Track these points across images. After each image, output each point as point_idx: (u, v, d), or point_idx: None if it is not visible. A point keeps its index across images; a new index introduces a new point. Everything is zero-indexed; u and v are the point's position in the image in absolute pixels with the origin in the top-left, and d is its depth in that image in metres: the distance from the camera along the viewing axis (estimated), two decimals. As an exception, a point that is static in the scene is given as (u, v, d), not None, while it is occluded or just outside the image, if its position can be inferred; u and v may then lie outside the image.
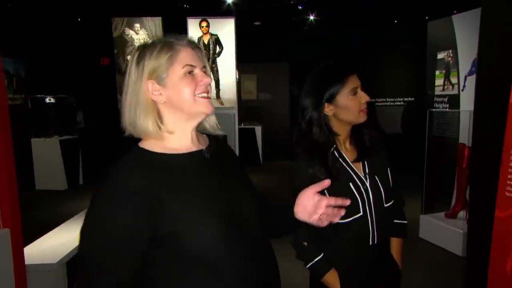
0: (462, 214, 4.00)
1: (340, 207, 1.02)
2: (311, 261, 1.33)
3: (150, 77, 0.88)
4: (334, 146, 1.32)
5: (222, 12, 5.53)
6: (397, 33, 8.09)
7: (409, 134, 6.93)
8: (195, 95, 0.90)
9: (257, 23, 7.37)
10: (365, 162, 1.33)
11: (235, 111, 4.38)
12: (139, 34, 4.28)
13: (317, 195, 1.02)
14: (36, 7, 5.59)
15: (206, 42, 4.22)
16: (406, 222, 1.45)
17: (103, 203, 0.83)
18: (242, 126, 6.72)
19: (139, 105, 0.89)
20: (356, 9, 7.53)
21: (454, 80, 4.40)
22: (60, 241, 2.96)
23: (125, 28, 4.26)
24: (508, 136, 1.26)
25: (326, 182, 1.01)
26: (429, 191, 4.41)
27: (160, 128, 0.90)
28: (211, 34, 4.23)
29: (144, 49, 0.90)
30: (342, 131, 1.34)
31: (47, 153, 6.13)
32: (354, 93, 1.29)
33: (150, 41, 0.94)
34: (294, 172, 1.38)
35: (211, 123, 1.01)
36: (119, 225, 0.81)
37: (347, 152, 1.34)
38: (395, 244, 1.43)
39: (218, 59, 4.24)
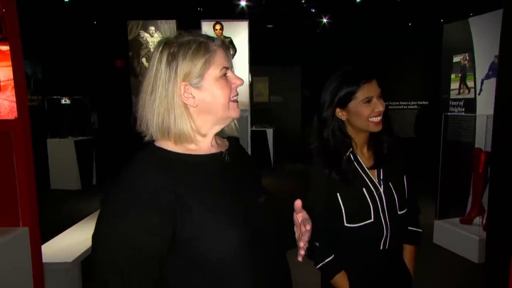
0: (477, 220, 3.92)
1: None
2: (322, 262, 1.33)
3: (184, 79, 0.83)
4: (351, 150, 1.31)
5: (236, 15, 5.56)
6: (411, 36, 8.00)
7: (422, 138, 6.84)
8: (230, 99, 0.87)
9: (269, 26, 7.38)
10: (381, 168, 1.31)
11: (248, 114, 4.39)
12: (154, 37, 4.33)
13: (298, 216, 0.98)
14: (53, 10, 5.70)
15: (220, 44, 4.25)
16: (420, 230, 1.43)
17: (121, 205, 0.76)
18: (254, 128, 6.73)
19: (172, 109, 0.82)
20: (370, 12, 7.48)
21: (470, 83, 4.33)
22: (75, 240, 3.00)
23: (140, 31, 4.31)
24: (531, 141, 1.23)
25: (297, 203, 0.95)
26: (444, 196, 4.34)
27: (196, 132, 0.86)
28: (225, 37, 4.24)
29: (175, 47, 0.83)
30: (357, 136, 1.33)
31: (62, 153, 6.23)
32: (368, 100, 1.27)
33: (175, 36, 0.87)
34: (310, 175, 1.38)
35: (231, 125, 0.97)
36: (137, 231, 0.75)
37: (363, 157, 1.33)
38: (408, 251, 1.42)
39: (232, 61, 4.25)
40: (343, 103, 1.29)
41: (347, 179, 1.27)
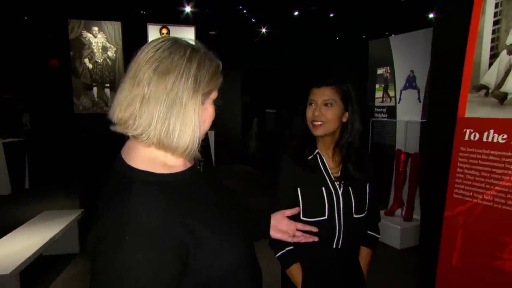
0: (399, 211, 4.29)
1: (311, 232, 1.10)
2: (281, 251, 1.34)
3: (200, 93, 0.75)
4: (317, 150, 1.35)
5: (181, 20, 5.42)
6: (342, 49, 8.50)
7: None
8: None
9: (212, 32, 7.33)
10: (345, 172, 1.34)
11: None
12: (97, 37, 4.03)
13: (286, 219, 1.07)
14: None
15: (166, 49, 4.10)
16: (378, 236, 1.47)
17: (131, 250, 0.65)
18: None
19: (192, 121, 0.73)
20: (302, 25, 7.79)
21: (391, 93, 4.72)
22: (11, 250, 2.68)
23: (83, 31, 3.98)
24: (456, 146, 1.38)
25: (295, 210, 1.08)
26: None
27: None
28: (172, 41, 4.12)
29: (201, 59, 0.75)
30: (323, 139, 1.36)
31: (-11, 156, 5.55)
32: (311, 103, 1.33)
33: (192, 44, 0.78)
34: (280, 165, 1.39)
35: None
36: (155, 274, 0.66)
37: (329, 159, 1.36)
38: (364, 253, 1.45)
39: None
40: (305, 108, 1.34)
41: (309, 176, 1.31)
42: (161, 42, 0.75)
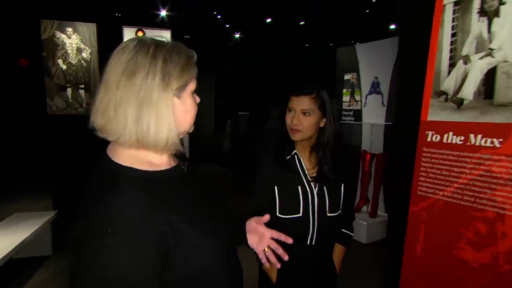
0: (364, 208, 4.43)
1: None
2: None
3: (172, 87, 0.73)
4: (295, 151, 1.37)
5: (157, 23, 5.32)
6: (309, 55, 8.65)
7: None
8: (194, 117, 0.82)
9: (187, 36, 7.24)
10: (321, 173, 1.37)
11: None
12: (71, 38, 3.88)
13: (261, 226, 1.06)
14: None
15: (142, 51, 4.01)
16: (352, 234, 1.49)
17: (115, 240, 0.64)
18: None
19: (165, 117, 0.72)
20: (274, 31, 7.88)
21: (358, 97, 4.87)
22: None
23: (56, 32, 3.81)
24: (419, 146, 1.45)
25: (266, 217, 1.06)
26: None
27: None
28: (148, 44, 4.03)
29: (166, 53, 0.73)
30: (299, 141, 1.38)
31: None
32: (290, 110, 1.35)
33: (160, 40, 0.76)
34: (258, 165, 1.39)
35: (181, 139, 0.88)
36: (137, 266, 0.65)
37: (306, 159, 1.39)
38: (337, 251, 1.47)
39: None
40: (283, 113, 1.36)
41: (286, 176, 1.33)
42: (127, 43, 0.74)
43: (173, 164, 0.83)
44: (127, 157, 0.74)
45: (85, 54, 3.92)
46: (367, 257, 3.57)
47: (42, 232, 3.28)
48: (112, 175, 0.71)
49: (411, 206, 1.49)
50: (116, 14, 5.18)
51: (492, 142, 1.23)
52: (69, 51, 3.88)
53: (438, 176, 1.38)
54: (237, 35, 8.37)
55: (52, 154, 3.90)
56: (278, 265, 1.03)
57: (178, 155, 0.87)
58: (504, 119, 1.21)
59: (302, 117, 1.30)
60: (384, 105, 4.64)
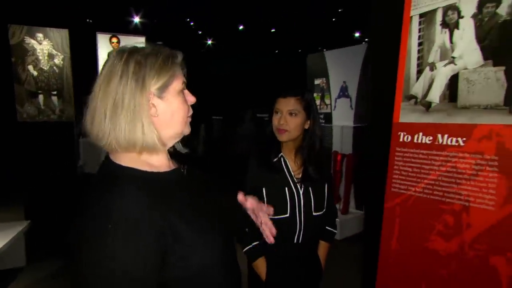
0: (336, 206, 4.55)
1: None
2: (248, 246, 1.37)
3: (150, 88, 0.74)
4: (281, 154, 1.40)
5: (131, 30, 5.20)
6: (281, 61, 8.79)
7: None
8: (187, 116, 0.82)
9: (159, 43, 7.12)
10: (306, 174, 1.40)
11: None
12: (42, 44, 3.71)
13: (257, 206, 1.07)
14: None
15: (117, 57, 3.91)
16: (336, 231, 1.54)
17: (115, 237, 0.64)
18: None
19: (140, 119, 0.72)
20: (246, 38, 7.94)
21: (328, 101, 5.02)
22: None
23: (25, 37, 3.63)
24: (392, 146, 1.53)
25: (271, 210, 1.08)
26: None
27: (159, 141, 0.76)
28: (122, 50, 3.93)
29: (141, 57, 0.74)
30: (284, 144, 1.42)
31: None
32: (276, 112, 1.39)
33: (135, 47, 0.77)
34: (248, 167, 1.41)
35: (179, 142, 0.90)
36: (137, 262, 0.65)
37: (292, 161, 1.42)
38: (322, 247, 1.51)
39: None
40: (271, 115, 1.39)
41: (273, 177, 1.35)
42: (111, 54, 0.77)
43: (172, 167, 0.84)
44: (127, 158, 0.75)
45: (57, 60, 3.76)
46: (342, 252, 3.67)
47: (16, 243, 3.10)
48: (113, 175, 0.72)
49: (386, 202, 1.56)
50: (88, 20, 5.01)
51: (457, 141, 1.32)
52: (40, 57, 3.70)
53: (410, 174, 1.46)
54: (209, 42, 8.35)
55: (23, 162, 3.70)
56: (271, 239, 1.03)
57: (178, 158, 0.88)
58: (467, 120, 1.30)
59: (289, 117, 1.33)
60: (352, 108, 4.81)
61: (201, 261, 0.75)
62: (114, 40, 3.86)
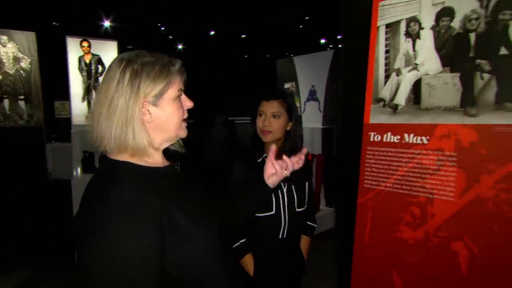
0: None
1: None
2: (235, 243, 1.40)
3: (145, 97, 0.78)
4: (264, 155, 1.44)
5: (101, 34, 5.02)
6: (249, 66, 8.86)
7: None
8: (182, 119, 0.85)
9: (129, 47, 6.95)
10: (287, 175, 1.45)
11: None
12: (6, 47, 3.50)
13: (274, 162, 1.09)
14: None
15: (87, 61, 3.77)
16: (316, 226, 1.60)
17: (120, 226, 0.66)
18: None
19: (132, 123, 0.76)
20: (217, 44, 7.94)
21: (297, 104, 5.14)
22: None
23: (-12, 40, 3.43)
24: (364, 146, 1.61)
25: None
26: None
27: (150, 145, 0.80)
28: (93, 54, 3.81)
29: (138, 66, 0.78)
30: (268, 145, 1.46)
31: None
32: (260, 114, 1.44)
33: (136, 54, 0.81)
34: (233, 169, 1.43)
35: (178, 142, 0.94)
36: (142, 247, 0.67)
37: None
38: (304, 241, 1.58)
39: (100, 79, 3.85)
40: (255, 116, 1.43)
41: (259, 177, 1.39)
42: (113, 61, 0.82)
43: (166, 163, 0.88)
44: (126, 156, 0.79)
45: (24, 64, 3.57)
46: (316, 247, 3.76)
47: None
48: (113, 169, 0.76)
49: (358, 198, 1.65)
50: (55, 23, 4.78)
51: (421, 140, 1.43)
52: (5, 61, 3.50)
53: (380, 170, 1.55)
54: (180, 46, 8.25)
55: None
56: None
57: (171, 156, 0.91)
58: (429, 121, 1.41)
59: (273, 119, 1.38)
60: (320, 111, 4.96)
61: (197, 248, 0.78)
62: (85, 44, 3.73)
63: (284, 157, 1.07)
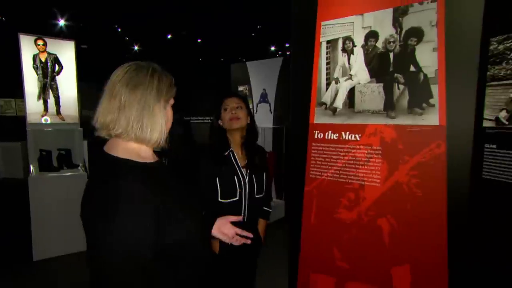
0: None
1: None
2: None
3: (164, 100, 0.90)
4: (230, 149, 1.55)
5: (55, 33, 4.67)
6: (205, 70, 8.82)
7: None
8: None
9: (84, 46, 6.55)
10: (251, 163, 1.59)
11: (78, 127, 3.86)
12: (-50, 42, 3.16)
13: (229, 224, 1.28)
14: None
15: (43, 60, 3.54)
16: (270, 210, 1.75)
17: (125, 214, 0.74)
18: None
19: (159, 122, 0.87)
20: (171, 46, 7.78)
21: (250, 106, 5.29)
22: None
23: None
24: (309, 142, 1.80)
25: (238, 218, 1.29)
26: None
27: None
28: (49, 53, 3.58)
29: (159, 75, 0.90)
30: (233, 138, 1.57)
31: None
32: (225, 109, 1.56)
33: (153, 64, 0.92)
34: (200, 164, 1.52)
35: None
36: (142, 230, 0.76)
37: (238, 155, 1.57)
38: (261, 224, 1.72)
39: (57, 77, 3.62)
40: (219, 115, 1.53)
41: (225, 168, 1.49)
42: (128, 66, 0.90)
43: (156, 158, 0.96)
44: (122, 150, 0.86)
45: (-30, 60, 3.24)
46: (269, 234, 3.95)
47: None
48: (114, 164, 0.83)
49: (305, 187, 1.83)
50: (1, 18, 4.35)
51: (355, 137, 1.65)
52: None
53: (323, 163, 1.75)
54: (136, 48, 7.96)
55: None
56: (249, 241, 1.23)
57: (159, 152, 0.99)
58: (361, 121, 1.63)
59: (237, 110, 1.52)
60: (271, 112, 5.17)
61: (186, 230, 0.88)
62: (40, 42, 3.48)
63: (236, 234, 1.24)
